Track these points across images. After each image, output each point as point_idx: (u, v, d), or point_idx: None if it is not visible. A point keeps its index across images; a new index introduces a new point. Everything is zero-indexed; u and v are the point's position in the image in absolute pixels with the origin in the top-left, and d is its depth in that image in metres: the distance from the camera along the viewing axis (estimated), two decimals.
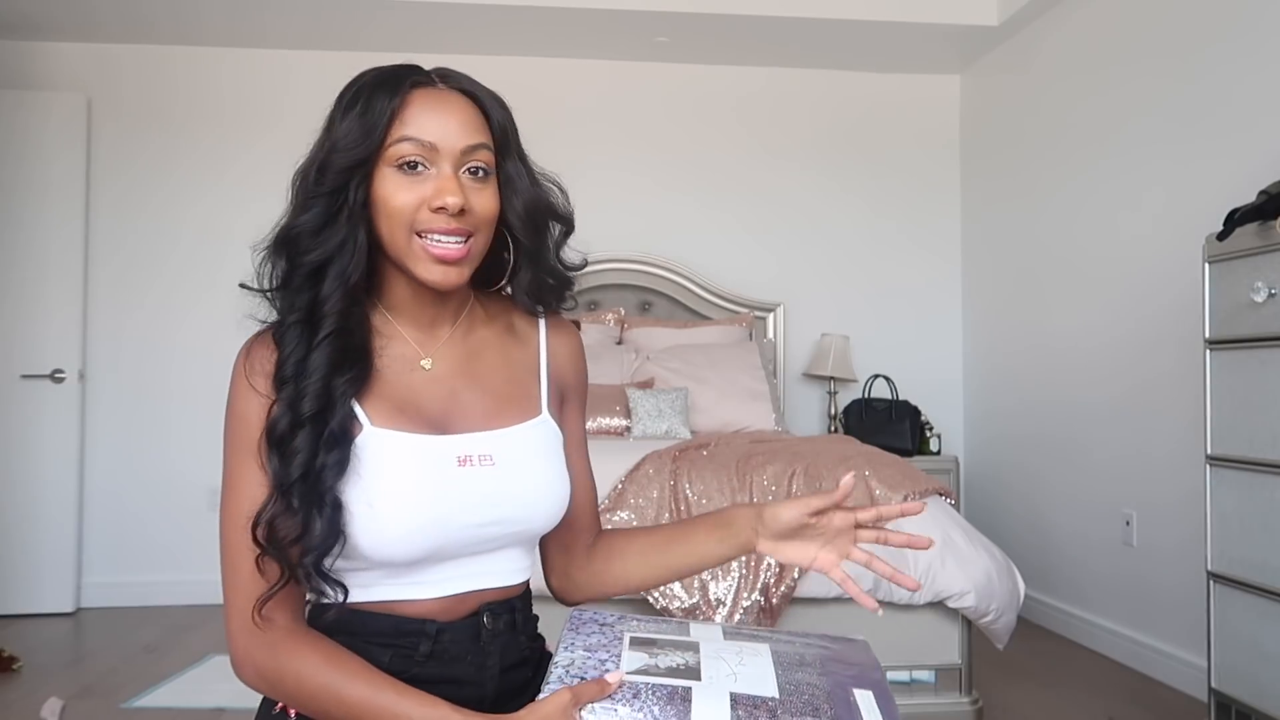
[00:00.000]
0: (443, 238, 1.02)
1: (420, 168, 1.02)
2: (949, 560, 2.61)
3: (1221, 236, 2.41)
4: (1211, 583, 2.45)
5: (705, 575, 2.60)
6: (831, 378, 4.58)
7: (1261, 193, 2.38)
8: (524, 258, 1.12)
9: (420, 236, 1.02)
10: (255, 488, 1.00)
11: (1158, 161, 3.37)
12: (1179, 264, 3.15)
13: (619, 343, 4.34)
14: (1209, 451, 2.47)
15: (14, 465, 4.19)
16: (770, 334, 4.65)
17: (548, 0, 4.01)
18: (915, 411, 4.46)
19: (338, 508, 0.99)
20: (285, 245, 1.05)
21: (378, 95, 1.03)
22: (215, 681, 3.19)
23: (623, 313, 4.47)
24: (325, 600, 1.02)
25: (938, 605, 2.65)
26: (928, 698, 2.69)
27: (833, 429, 4.56)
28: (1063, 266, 3.96)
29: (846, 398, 4.67)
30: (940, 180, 4.87)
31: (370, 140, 1.02)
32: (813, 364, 4.63)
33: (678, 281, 4.59)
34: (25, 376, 4.22)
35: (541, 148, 1.18)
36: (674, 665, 0.96)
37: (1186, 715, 2.95)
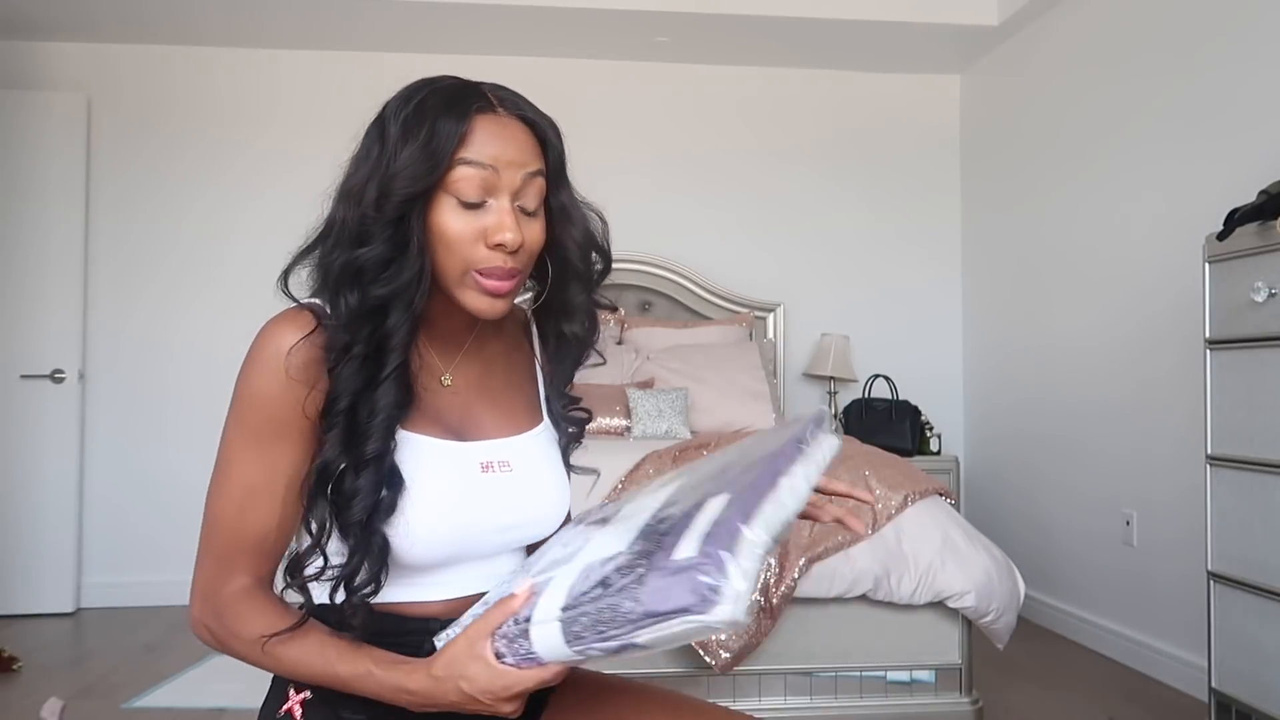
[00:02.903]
0: (498, 275, 1.01)
1: (480, 200, 1.00)
2: (949, 560, 2.61)
3: (1221, 236, 2.41)
4: (1211, 582, 2.45)
5: None
6: (831, 378, 4.58)
7: (1261, 193, 2.38)
8: (565, 288, 1.11)
9: (475, 271, 1.01)
10: (257, 469, 1.00)
11: (1158, 161, 3.37)
12: (1179, 264, 3.15)
13: (619, 342, 4.34)
14: (1209, 451, 2.47)
15: (14, 465, 4.19)
16: (770, 334, 4.65)
17: (548, 0, 4.01)
18: (915, 411, 4.46)
19: (386, 548, 0.99)
20: (353, 278, 0.99)
21: (442, 121, 0.99)
22: (215, 681, 3.19)
23: (623, 313, 4.47)
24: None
25: (938, 605, 2.65)
26: (928, 698, 2.69)
27: (833, 429, 4.55)
28: (1063, 266, 3.96)
29: (846, 398, 4.67)
30: (940, 180, 4.87)
31: (435, 170, 0.98)
32: (813, 364, 4.63)
33: (678, 281, 4.59)
34: (25, 376, 4.22)
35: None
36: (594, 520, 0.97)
37: (1186, 715, 2.95)
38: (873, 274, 4.81)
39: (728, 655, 2.53)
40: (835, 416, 4.59)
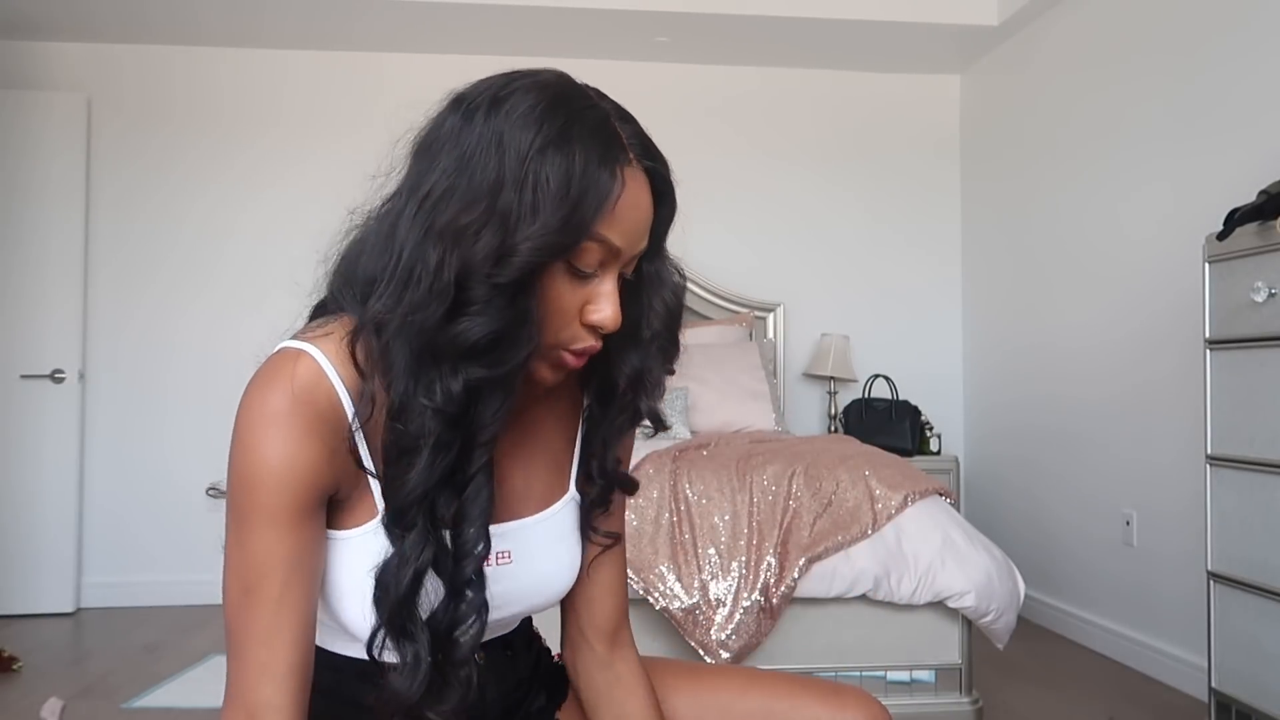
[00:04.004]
0: (582, 352, 0.88)
1: (592, 272, 0.85)
2: (949, 560, 2.61)
3: (1221, 236, 2.41)
4: (1211, 583, 2.45)
5: (705, 575, 2.60)
6: (831, 378, 4.58)
7: (1261, 193, 2.38)
8: (646, 355, 0.95)
9: (563, 347, 0.87)
10: (250, 564, 0.83)
11: (1158, 161, 3.37)
12: (1179, 264, 3.15)
13: None
14: (1209, 451, 2.47)
15: (14, 465, 4.19)
16: (770, 334, 4.65)
17: (548, 0, 4.01)
18: (915, 411, 4.46)
19: (476, 664, 0.89)
20: (459, 355, 0.81)
21: (593, 175, 0.81)
22: (215, 681, 3.18)
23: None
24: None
25: (938, 605, 2.65)
26: (928, 698, 2.69)
27: (833, 429, 4.56)
28: (1062, 266, 3.96)
29: (846, 398, 4.67)
30: (940, 180, 4.87)
31: (576, 244, 0.82)
32: (813, 364, 4.63)
33: None
34: (25, 376, 4.22)
35: None
36: None
37: (1186, 715, 2.95)
38: (872, 274, 4.82)
39: (728, 655, 2.53)
40: (835, 416, 4.59)
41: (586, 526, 1.04)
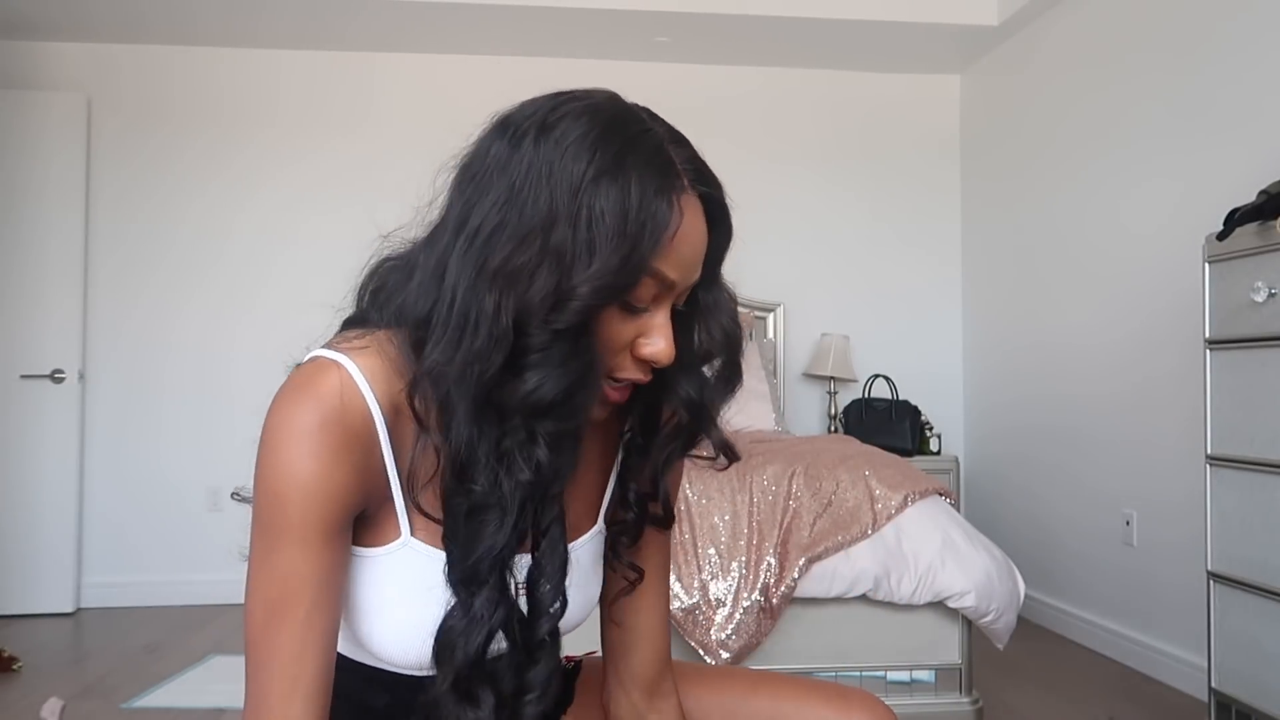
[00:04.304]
0: (626, 383, 0.84)
1: (645, 307, 0.81)
2: (949, 560, 2.61)
3: (1221, 236, 2.41)
4: (1211, 582, 2.45)
5: (705, 575, 2.60)
6: (831, 378, 4.58)
7: (1261, 193, 2.37)
8: (700, 387, 0.90)
9: (607, 377, 0.83)
10: (309, 568, 0.80)
11: (1157, 161, 3.37)
12: (1179, 264, 3.15)
13: None
14: (1209, 451, 2.46)
15: (14, 465, 4.19)
16: (770, 334, 4.65)
17: (548, 0, 4.01)
18: (915, 411, 4.46)
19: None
20: (531, 413, 0.78)
21: (650, 208, 0.77)
22: (215, 681, 3.19)
23: None
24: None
25: (938, 605, 2.65)
26: (928, 698, 2.69)
27: (833, 429, 4.56)
28: (1062, 266, 3.96)
29: (846, 398, 4.67)
30: (940, 180, 4.87)
31: (634, 286, 0.78)
32: (813, 364, 4.63)
33: None
34: (25, 376, 4.22)
35: None
36: None
37: (1186, 715, 2.95)
38: (873, 274, 4.82)
39: (728, 655, 2.53)
40: (835, 416, 4.59)
41: (611, 556, 0.99)
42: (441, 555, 0.84)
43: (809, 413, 4.74)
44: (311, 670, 0.80)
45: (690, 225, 0.81)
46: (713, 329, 0.88)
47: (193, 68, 4.53)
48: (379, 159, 4.51)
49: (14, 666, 3.31)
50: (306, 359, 0.83)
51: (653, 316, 0.82)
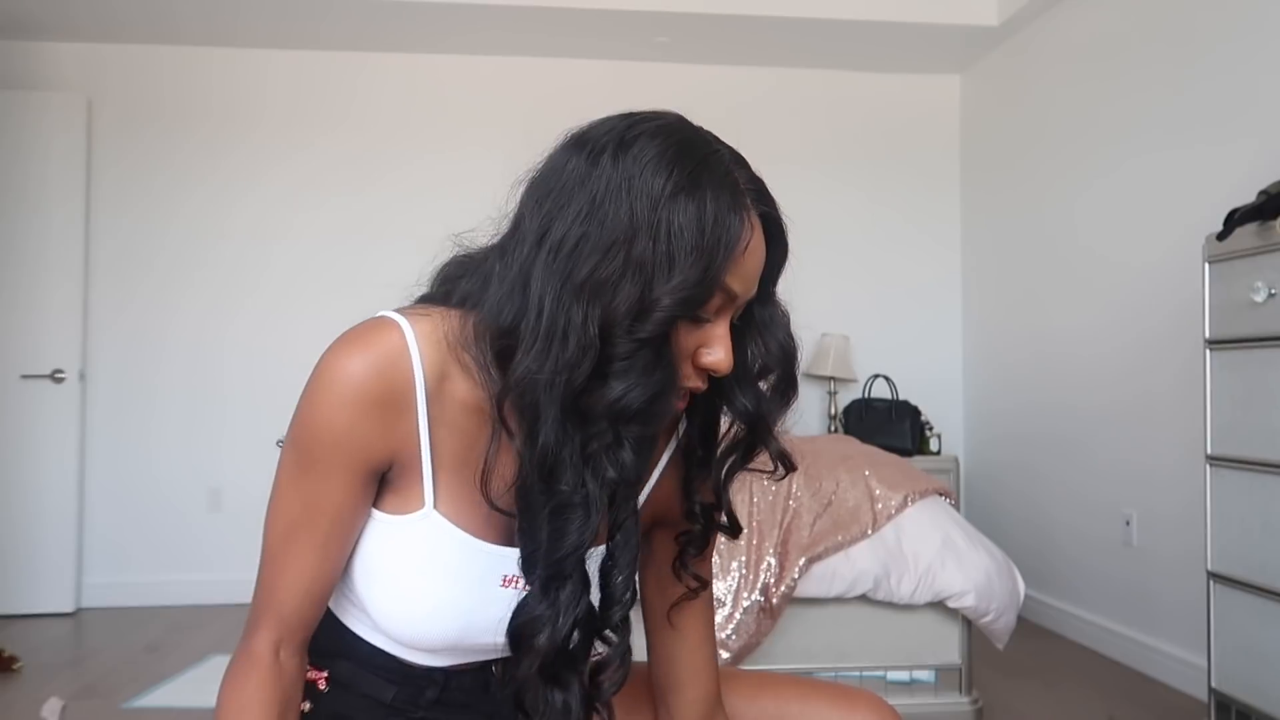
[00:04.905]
0: (687, 392, 0.88)
1: (710, 318, 0.85)
2: (949, 560, 2.61)
3: (1221, 236, 2.41)
4: (1211, 583, 2.45)
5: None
6: (831, 378, 4.58)
7: (1261, 193, 2.38)
8: (753, 399, 0.93)
9: None
10: (299, 503, 0.88)
11: (1158, 161, 3.37)
12: (1179, 264, 3.15)
13: None
14: (1209, 452, 2.47)
15: (14, 465, 4.19)
16: None
17: (548, 0, 4.01)
18: (915, 411, 4.46)
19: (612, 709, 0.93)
20: (619, 419, 0.82)
21: (724, 224, 0.81)
22: (215, 681, 3.15)
23: None
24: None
25: (938, 605, 2.65)
26: (928, 698, 2.69)
27: (833, 429, 4.56)
28: (1062, 266, 3.96)
29: (846, 398, 4.67)
30: (940, 180, 4.87)
31: (708, 299, 0.82)
32: (813, 364, 4.63)
33: None
34: (25, 376, 4.21)
35: (540, 149, 1.17)
36: None
37: (1186, 715, 2.95)
38: (873, 274, 4.82)
39: (728, 655, 2.53)
40: (835, 416, 4.59)
41: (679, 566, 1.02)
42: (462, 534, 0.89)
43: (809, 413, 4.74)
44: (320, 586, 0.89)
45: (755, 241, 0.85)
46: (769, 344, 0.91)
47: (192, 68, 4.53)
48: (378, 158, 4.51)
49: (14, 666, 3.31)
50: (374, 316, 0.88)
51: (714, 328, 0.85)
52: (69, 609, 4.19)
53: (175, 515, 4.40)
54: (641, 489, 0.89)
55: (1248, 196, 2.51)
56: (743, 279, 0.84)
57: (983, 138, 4.69)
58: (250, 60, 4.56)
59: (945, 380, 4.82)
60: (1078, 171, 3.85)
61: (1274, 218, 2.27)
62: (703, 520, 1.00)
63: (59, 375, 4.24)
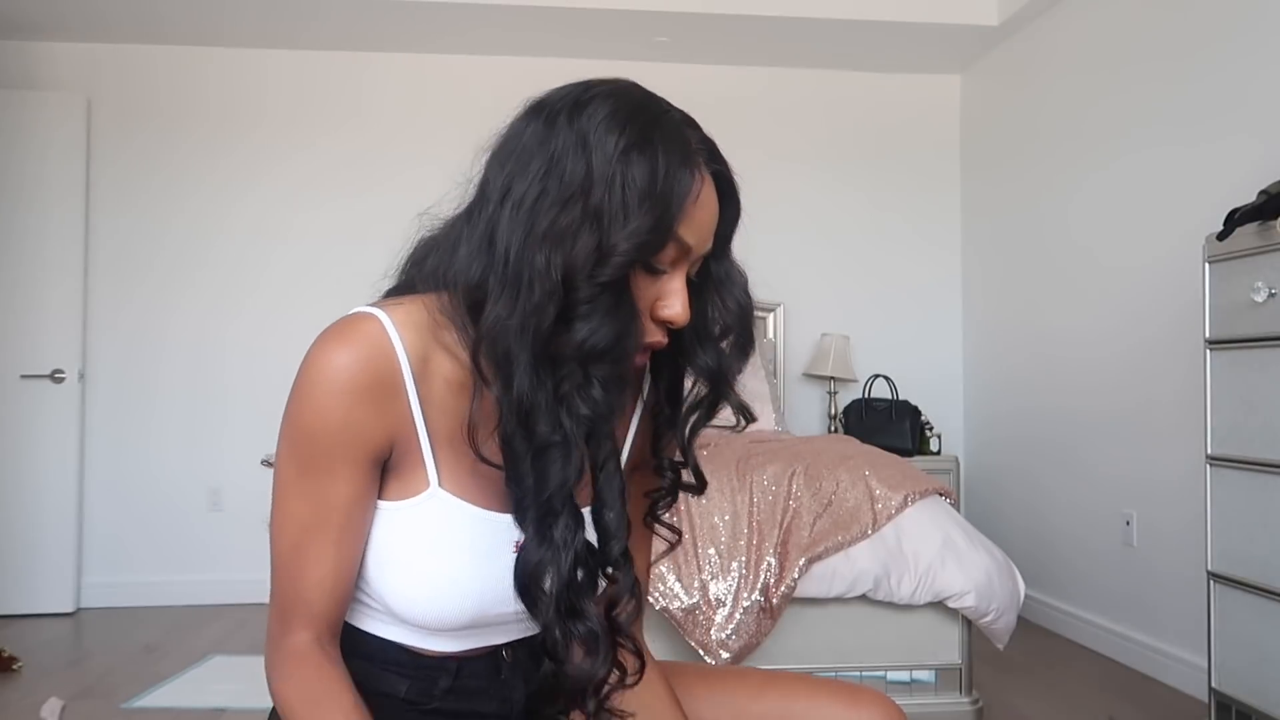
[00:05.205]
0: (648, 347, 0.92)
1: (665, 269, 0.89)
2: (949, 560, 2.61)
3: (1221, 236, 2.41)
4: (1211, 583, 2.45)
5: (705, 575, 2.60)
6: (831, 378, 4.58)
7: (1261, 193, 2.38)
8: (718, 355, 0.97)
9: None
10: (309, 505, 0.90)
11: (1158, 161, 3.37)
12: (1179, 264, 3.15)
13: None
14: (1209, 452, 2.47)
15: (14, 465, 4.19)
16: (770, 334, 4.65)
17: (548, 0, 4.01)
18: (915, 411, 4.46)
19: (636, 644, 0.95)
20: (586, 359, 0.86)
21: (675, 176, 0.86)
22: (215, 681, 3.19)
23: None
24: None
25: (938, 605, 2.65)
26: (928, 698, 2.69)
27: (833, 429, 4.56)
28: (1063, 266, 3.96)
29: (846, 398, 4.67)
30: (940, 180, 4.87)
31: (662, 245, 0.86)
32: (813, 364, 4.63)
33: None
34: (25, 376, 4.22)
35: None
36: None
37: (1186, 715, 2.95)
38: (873, 274, 4.82)
39: (728, 655, 2.53)
40: (835, 416, 4.59)
41: (651, 520, 1.07)
42: (470, 507, 0.92)
43: (809, 413, 4.74)
44: (344, 580, 0.91)
45: (707, 196, 0.89)
46: (727, 301, 0.95)
47: (191, 67, 4.53)
48: (378, 157, 4.51)
49: (14, 666, 3.31)
50: (347, 314, 0.91)
51: (670, 281, 0.89)
52: (69, 609, 4.19)
53: (175, 515, 4.40)
54: (615, 425, 0.91)
55: (1248, 196, 2.51)
56: (696, 231, 0.88)
57: (983, 138, 4.69)
58: (250, 60, 4.56)
59: (945, 380, 4.82)
60: (1077, 171, 3.85)
61: (1274, 218, 2.27)
62: (671, 476, 1.05)
63: (59, 375, 4.24)
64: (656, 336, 0.91)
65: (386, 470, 0.92)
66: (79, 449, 4.30)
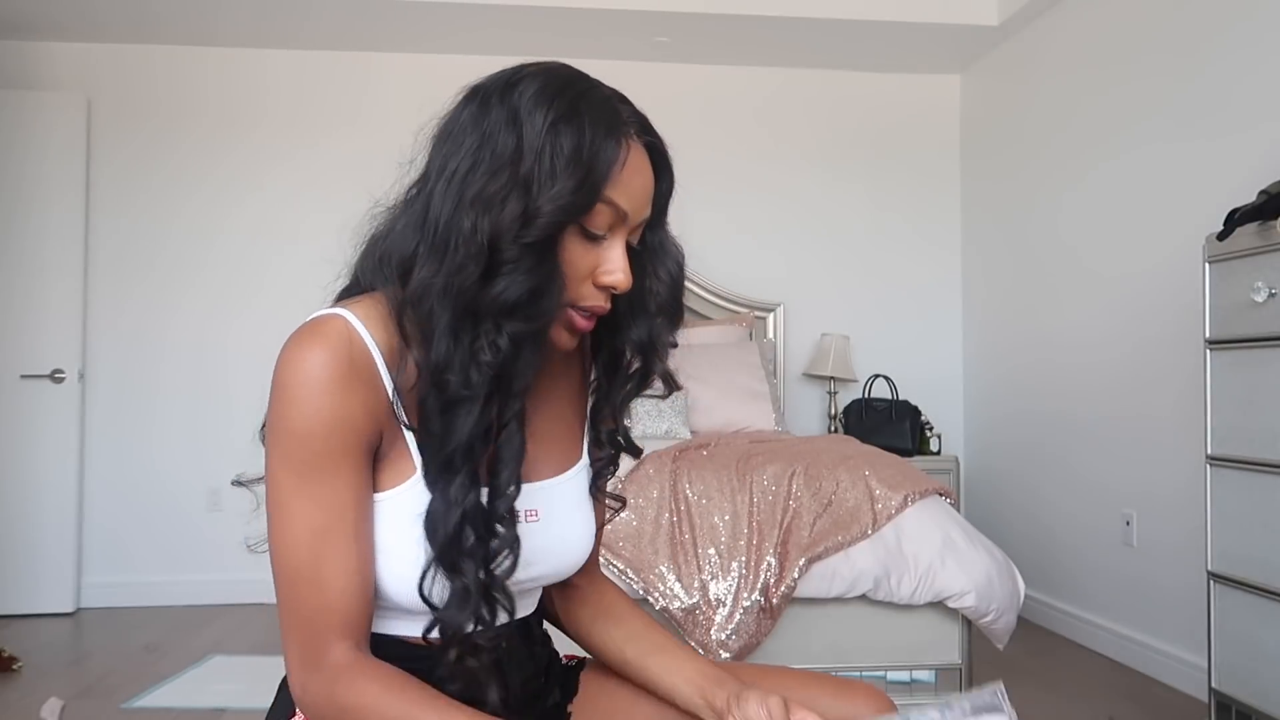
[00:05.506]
0: (589, 313, 0.95)
1: (603, 234, 0.93)
2: (949, 560, 2.61)
3: (1221, 236, 2.41)
4: (1211, 582, 2.45)
5: (705, 575, 2.60)
6: (831, 378, 4.58)
7: (1261, 193, 2.38)
8: (650, 323, 1.02)
9: (571, 306, 0.94)
10: (320, 509, 0.90)
11: (1158, 161, 3.37)
12: (1179, 264, 3.15)
13: None
14: (1209, 451, 2.47)
15: (14, 465, 4.19)
16: (770, 334, 4.65)
17: (548, 0, 4.01)
18: (915, 411, 4.46)
19: (510, 597, 0.96)
20: (500, 313, 0.88)
21: (601, 143, 0.89)
22: (215, 681, 3.19)
23: None
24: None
25: (938, 605, 2.65)
26: (928, 698, 2.69)
27: (833, 429, 4.56)
28: (1062, 266, 3.96)
29: (846, 398, 4.67)
30: (940, 180, 4.87)
31: (589, 207, 0.89)
32: (813, 364, 4.63)
33: None
34: (25, 376, 4.21)
35: None
36: None
37: (1186, 715, 2.95)
38: (873, 274, 4.82)
39: (728, 655, 2.53)
40: (835, 416, 4.58)
41: (594, 489, 1.12)
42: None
43: (809, 413, 4.75)
44: (367, 577, 0.92)
45: (636, 164, 0.93)
46: (659, 271, 1.00)
47: (193, 67, 4.53)
48: (378, 157, 4.51)
49: (14, 666, 3.31)
50: (308, 319, 0.93)
51: (610, 249, 0.93)
52: (69, 609, 4.19)
53: (175, 515, 4.40)
54: (525, 386, 0.92)
55: (1248, 196, 2.51)
56: (630, 197, 0.92)
57: (983, 138, 4.69)
58: (250, 60, 4.56)
59: (945, 380, 4.82)
60: (1077, 171, 3.85)
61: (1274, 218, 2.27)
62: (610, 445, 1.11)
63: (59, 375, 4.24)
64: (597, 301, 0.94)
65: (377, 459, 0.94)
66: (79, 449, 4.30)
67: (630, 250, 0.96)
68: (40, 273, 4.25)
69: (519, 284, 0.88)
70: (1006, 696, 0.94)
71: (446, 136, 0.94)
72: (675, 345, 1.07)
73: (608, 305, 0.96)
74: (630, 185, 0.92)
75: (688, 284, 1.08)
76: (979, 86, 4.73)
